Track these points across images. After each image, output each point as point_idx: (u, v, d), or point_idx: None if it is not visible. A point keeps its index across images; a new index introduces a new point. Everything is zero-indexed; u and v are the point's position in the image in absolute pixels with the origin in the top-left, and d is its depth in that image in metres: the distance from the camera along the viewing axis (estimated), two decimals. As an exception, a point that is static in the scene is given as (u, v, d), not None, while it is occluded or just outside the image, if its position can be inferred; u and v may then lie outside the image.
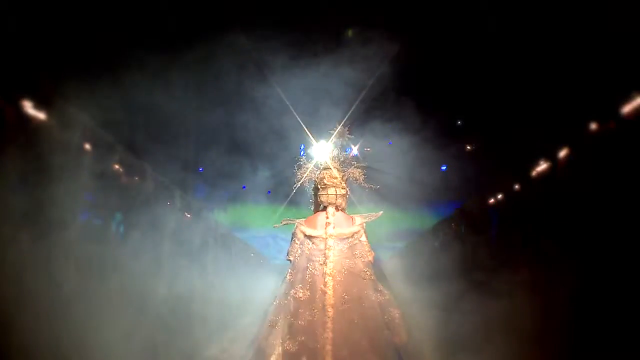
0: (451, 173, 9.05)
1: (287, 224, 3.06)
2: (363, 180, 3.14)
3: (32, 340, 2.23)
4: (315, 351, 2.38)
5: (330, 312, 2.48)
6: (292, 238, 2.97)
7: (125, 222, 3.76)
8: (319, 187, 3.04)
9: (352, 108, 7.91)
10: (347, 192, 3.05)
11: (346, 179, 3.11)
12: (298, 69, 7.23)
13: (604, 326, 2.78)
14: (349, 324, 2.47)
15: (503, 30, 5.93)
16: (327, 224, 2.85)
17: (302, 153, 10.26)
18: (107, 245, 3.45)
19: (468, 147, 9.44)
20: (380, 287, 2.79)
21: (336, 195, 2.93)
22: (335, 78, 7.69)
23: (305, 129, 8.64)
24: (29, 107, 2.42)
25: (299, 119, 8.13)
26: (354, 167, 3.19)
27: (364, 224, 2.89)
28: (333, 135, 8.22)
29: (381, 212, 3.03)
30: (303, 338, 2.45)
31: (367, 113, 8.25)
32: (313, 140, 9.26)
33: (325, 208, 2.96)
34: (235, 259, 7.97)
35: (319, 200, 3.03)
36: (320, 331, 2.43)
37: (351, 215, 2.96)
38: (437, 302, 5.00)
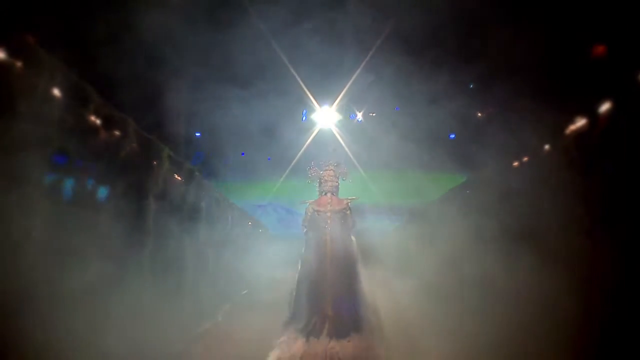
0: (463, 139, 8.68)
1: (303, 203, 4.69)
2: (347, 176, 4.77)
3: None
4: (321, 274, 4.23)
5: (329, 254, 4.30)
6: (305, 212, 4.62)
7: (110, 185, 3.51)
8: (322, 181, 4.65)
9: (357, 71, 7.53)
10: (338, 184, 4.68)
11: (338, 176, 4.76)
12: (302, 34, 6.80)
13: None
14: (337, 260, 4.30)
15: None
16: (328, 203, 4.55)
17: (304, 118, 9.97)
18: (89, 207, 3.16)
19: (479, 114, 9.01)
20: (353, 239, 4.52)
21: (332, 186, 4.61)
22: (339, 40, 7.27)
23: (308, 93, 8.30)
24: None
25: (302, 83, 7.77)
26: (343, 169, 4.79)
27: (349, 204, 4.61)
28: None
29: (357, 197, 4.77)
30: (315, 267, 4.27)
31: (373, 76, 7.84)
32: (316, 106, 8.93)
33: (326, 194, 4.60)
34: (233, 228, 7.68)
35: (322, 189, 4.63)
36: (324, 264, 4.27)
37: (342, 198, 4.68)
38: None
